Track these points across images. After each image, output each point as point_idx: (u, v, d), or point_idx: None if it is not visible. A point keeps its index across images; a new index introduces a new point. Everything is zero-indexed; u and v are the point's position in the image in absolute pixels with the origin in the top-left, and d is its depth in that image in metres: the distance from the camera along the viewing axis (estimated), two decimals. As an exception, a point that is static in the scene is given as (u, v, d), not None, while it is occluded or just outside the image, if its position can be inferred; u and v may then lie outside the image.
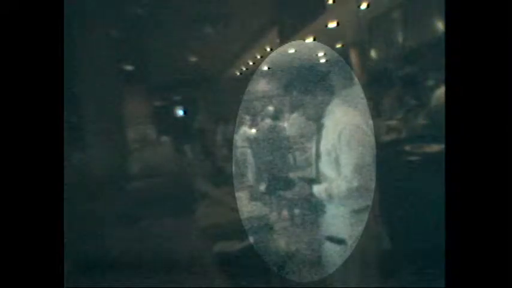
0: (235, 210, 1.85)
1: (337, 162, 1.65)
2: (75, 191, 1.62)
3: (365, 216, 1.64)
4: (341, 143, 1.63)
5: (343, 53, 2.01)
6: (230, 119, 1.97)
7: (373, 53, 2.16)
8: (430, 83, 1.97)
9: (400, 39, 2.17)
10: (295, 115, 1.86)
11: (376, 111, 1.88)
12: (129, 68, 2.06)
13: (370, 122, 1.70)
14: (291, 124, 1.98)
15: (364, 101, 1.73)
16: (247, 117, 1.98)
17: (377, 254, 1.72)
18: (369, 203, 1.64)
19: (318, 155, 1.70)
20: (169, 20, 1.97)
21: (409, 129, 2.00)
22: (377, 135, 1.73)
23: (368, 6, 2.04)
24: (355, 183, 1.61)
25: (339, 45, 2.05)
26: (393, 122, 2.00)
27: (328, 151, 1.66)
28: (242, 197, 1.92)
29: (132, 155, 2.03)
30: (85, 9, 1.80)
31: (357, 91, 1.75)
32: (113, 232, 1.86)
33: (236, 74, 1.91)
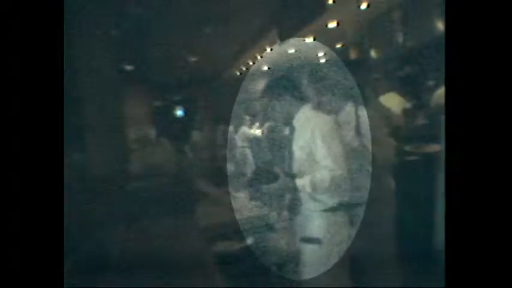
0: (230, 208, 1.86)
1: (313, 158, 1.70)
2: (75, 191, 1.62)
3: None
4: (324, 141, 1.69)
5: (343, 53, 2.02)
6: (230, 119, 1.97)
7: (373, 53, 2.16)
8: (430, 83, 1.98)
9: (400, 39, 2.17)
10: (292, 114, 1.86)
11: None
12: (129, 68, 2.06)
13: (367, 123, 1.73)
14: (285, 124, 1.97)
15: (361, 100, 1.75)
16: (243, 117, 1.97)
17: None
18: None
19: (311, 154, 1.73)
20: (170, 20, 1.97)
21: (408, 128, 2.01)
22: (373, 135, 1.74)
23: (368, 6, 2.04)
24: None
25: (339, 45, 2.05)
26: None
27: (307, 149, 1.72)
28: (238, 195, 1.92)
29: (132, 155, 2.03)
30: (85, 8, 1.80)
31: (353, 91, 1.77)
32: (112, 232, 1.86)
33: (236, 74, 1.92)
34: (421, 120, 2.02)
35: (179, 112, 2.14)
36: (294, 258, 1.77)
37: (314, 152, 1.69)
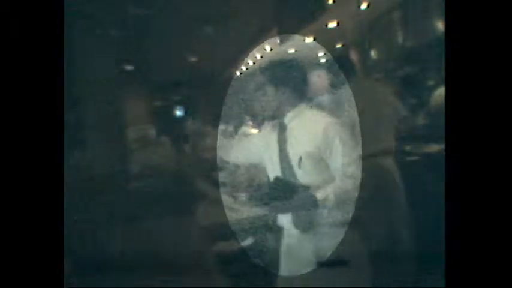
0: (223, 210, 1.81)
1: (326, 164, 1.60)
2: (75, 191, 1.62)
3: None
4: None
5: (343, 53, 2.01)
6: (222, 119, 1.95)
7: (373, 53, 2.16)
8: (430, 83, 1.97)
9: (400, 39, 2.17)
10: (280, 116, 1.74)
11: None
12: (129, 68, 2.06)
13: (358, 129, 1.66)
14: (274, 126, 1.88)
15: (353, 104, 1.70)
16: (236, 117, 1.92)
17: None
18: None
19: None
20: (170, 20, 1.97)
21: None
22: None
23: (368, 6, 2.04)
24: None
25: (339, 45, 2.05)
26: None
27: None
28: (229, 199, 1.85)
29: (132, 155, 2.03)
30: (85, 8, 1.80)
31: (346, 95, 1.72)
32: (112, 232, 1.86)
33: (236, 74, 1.91)
34: (421, 120, 2.01)
35: (179, 112, 2.14)
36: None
37: (329, 158, 1.56)
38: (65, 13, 1.17)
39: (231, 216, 1.74)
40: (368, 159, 1.71)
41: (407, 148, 1.97)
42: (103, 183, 1.87)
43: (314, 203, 1.58)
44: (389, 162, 1.84)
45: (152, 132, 2.06)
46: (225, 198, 1.78)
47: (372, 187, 1.73)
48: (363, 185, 1.59)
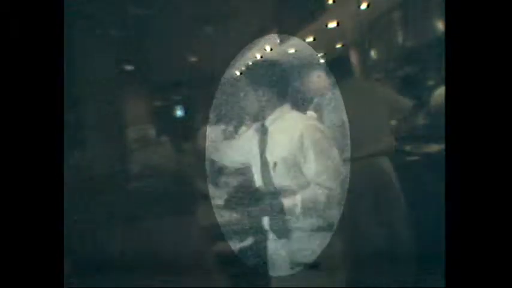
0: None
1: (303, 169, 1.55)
2: (75, 191, 1.62)
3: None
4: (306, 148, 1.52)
5: (343, 53, 2.01)
6: (230, 120, 1.95)
7: (373, 53, 2.16)
8: (430, 83, 1.98)
9: (400, 39, 2.17)
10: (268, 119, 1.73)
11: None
12: (129, 68, 2.06)
13: (347, 132, 1.62)
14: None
15: (342, 107, 1.66)
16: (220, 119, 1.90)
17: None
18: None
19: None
20: (170, 20, 1.97)
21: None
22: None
23: (368, 6, 2.04)
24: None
25: (339, 45, 2.05)
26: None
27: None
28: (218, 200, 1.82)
29: (132, 155, 2.04)
30: (85, 8, 1.80)
31: (335, 98, 1.69)
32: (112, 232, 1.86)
33: (236, 73, 1.91)
34: (421, 120, 2.01)
35: (179, 112, 2.14)
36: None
37: (302, 165, 1.52)
38: (65, 13, 1.17)
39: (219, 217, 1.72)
40: (367, 159, 1.71)
41: (407, 148, 1.97)
42: (103, 183, 1.87)
43: (281, 210, 1.54)
44: (388, 163, 1.85)
45: (152, 132, 2.06)
46: (214, 200, 1.76)
47: (372, 187, 1.73)
48: (360, 186, 1.58)
